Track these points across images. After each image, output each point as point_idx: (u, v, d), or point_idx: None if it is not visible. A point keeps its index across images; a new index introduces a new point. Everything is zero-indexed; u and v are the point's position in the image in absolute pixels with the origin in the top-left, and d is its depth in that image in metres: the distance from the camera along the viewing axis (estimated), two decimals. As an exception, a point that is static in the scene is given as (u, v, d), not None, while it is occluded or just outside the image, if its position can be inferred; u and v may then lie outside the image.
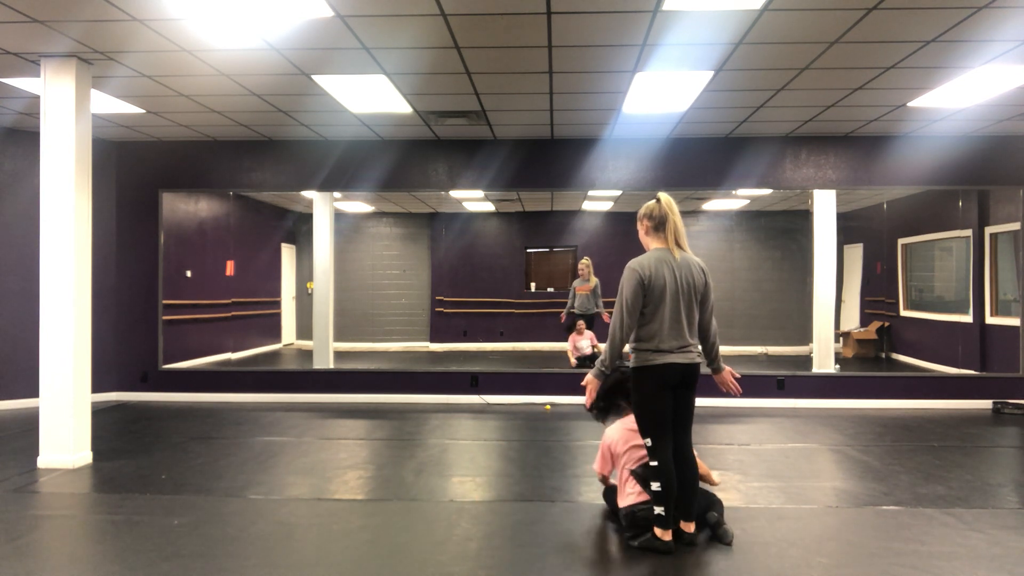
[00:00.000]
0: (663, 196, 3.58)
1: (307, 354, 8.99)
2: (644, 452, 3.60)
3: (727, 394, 3.72)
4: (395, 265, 11.85)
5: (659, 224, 3.56)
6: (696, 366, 3.54)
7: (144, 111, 6.48)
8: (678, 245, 3.56)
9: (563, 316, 9.02)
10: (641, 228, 3.64)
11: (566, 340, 9.10)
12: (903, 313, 9.57)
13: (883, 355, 9.77)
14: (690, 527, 3.57)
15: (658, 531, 3.44)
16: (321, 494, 4.40)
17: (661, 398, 3.46)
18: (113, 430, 6.24)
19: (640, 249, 3.68)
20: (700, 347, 3.60)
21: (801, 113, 6.54)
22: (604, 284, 9.49)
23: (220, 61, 5.07)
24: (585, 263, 8.98)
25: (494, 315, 11.37)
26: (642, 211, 3.62)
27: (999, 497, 4.35)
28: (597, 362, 3.52)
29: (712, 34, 4.53)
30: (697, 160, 7.60)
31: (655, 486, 3.42)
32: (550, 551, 3.49)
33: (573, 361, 8.60)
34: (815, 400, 7.53)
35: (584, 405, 3.60)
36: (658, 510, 3.43)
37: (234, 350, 9.01)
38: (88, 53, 4.95)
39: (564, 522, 3.90)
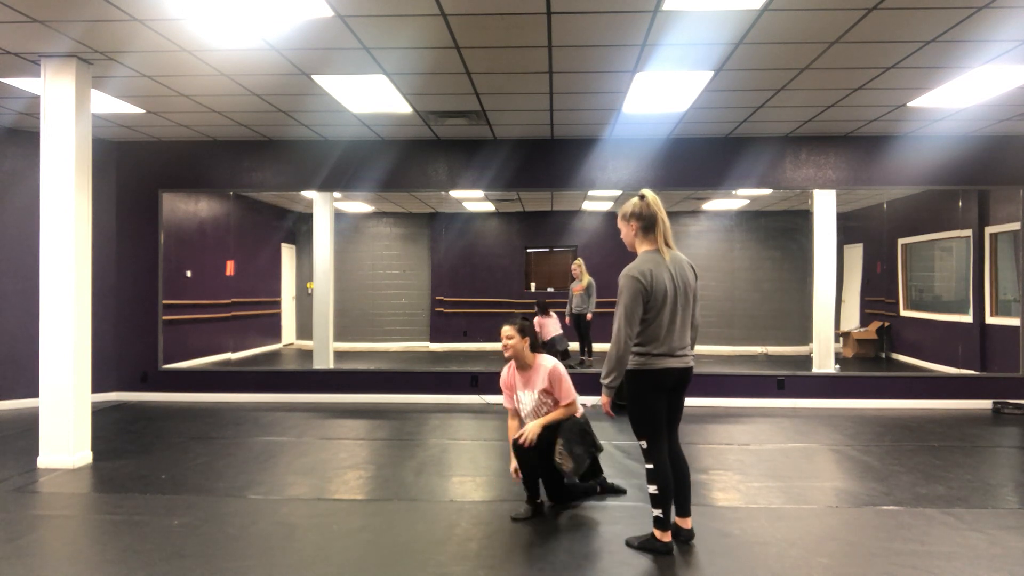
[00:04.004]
0: (648, 194, 3.40)
1: (307, 354, 8.99)
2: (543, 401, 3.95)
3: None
4: (395, 265, 11.84)
5: (649, 224, 3.40)
6: (691, 369, 3.49)
7: (144, 111, 6.48)
8: (667, 245, 3.41)
9: (568, 319, 9.13)
10: (629, 229, 3.45)
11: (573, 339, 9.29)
12: (903, 313, 9.57)
13: (883, 355, 9.77)
14: (687, 523, 3.59)
15: (657, 533, 3.43)
16: (321, 494, 4.40)
17: (657, 402, 3.42)
18: (113, 430, 6.24)
19: (624, 251, 3.59)
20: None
21: (801, 113, 6.54)
22: (604, 285, 9.50)
23: (220, 61, 5.07)
24: (576, 264, 9.17)
25: (494, 315, 11.35)
26: (628, 211, 3.43)
27: (999, 497, 4.35)
28: (603, 379, 3.36)
29: (712, 34, 4.53)
30: (697, 160, 7.60)
31: (651, 489, 3.42)
32: (550, 551, 3.49)
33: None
34: (815, 400, 7.53)
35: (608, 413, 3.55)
36: (656, 512, 3.42)
37: (234, 350, 9.01)
38: (88, 53, 4.95)
39: (564, 522, 3.90)
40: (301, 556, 3.41)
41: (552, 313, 9.33)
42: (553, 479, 4.05)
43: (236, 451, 5.49)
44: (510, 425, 4.14)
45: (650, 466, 3.42)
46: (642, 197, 3.41)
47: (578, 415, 4.00)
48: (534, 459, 3.89)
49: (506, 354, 4.02)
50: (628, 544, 3.54)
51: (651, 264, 3.35)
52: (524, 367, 4.05)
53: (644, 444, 3.43)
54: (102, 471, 4.93)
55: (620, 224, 3.52)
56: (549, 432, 3.88)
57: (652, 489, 3.42)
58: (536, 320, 9.37)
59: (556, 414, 3.94)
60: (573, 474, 3.87)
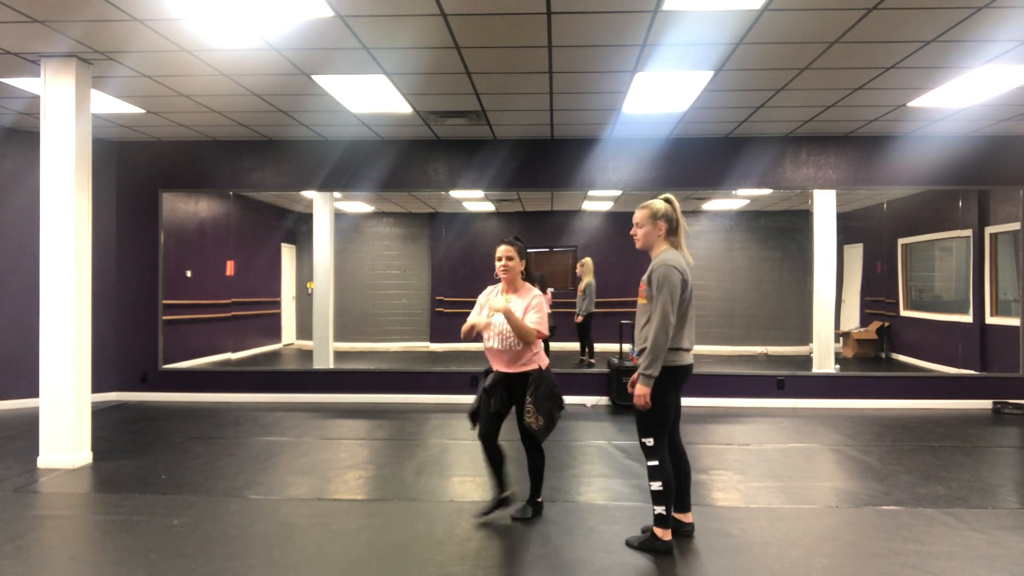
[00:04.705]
0: (673, 198, 3.56)
1: (307, 354, 8.99)
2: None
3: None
4: (395, 265, 11.84)
5: (674, 226, 3.53)
6: None
7: (144, 111, 6.48)
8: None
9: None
10: (655, 229, 3.51)
11: (570, 339, 9.30)
12: (903, 313, 9.57)
13: (883, 355, 9.77)
14: (688, 517, 3.63)
15: (658, 531, 3.44)
16: (321, 494, 4.40)
17: (672, 398, 3.47)
18: (113, 430, 6.24)
19: (634, 249, 3.65)
20: None
21: (801, 113, 6.54)
22: (604, 285, 9.49)
23: (220, 61, 5.07)
24: (579, 264, 9.19)
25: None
26: (657, 212, 3.51)
27: (999, 497, 4.35)
28: (646, 369, 3.33)
29: (712, 34, 4.53)
30: (697, 160, 7.60)
31: (656, 486, 3.42)
32: (550, 551, 3.49)
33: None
34: (815, 400, 7.53)
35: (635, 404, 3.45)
36: (659, 510, 3.43)
37: (234, 350, 9.01)
38: (88, 53, 4.95)
39: (564, 522, 3.90)
40: (301, 556, 3.41)
41: (548, 292, 9.32)
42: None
43: (236, 451, 5.49)
44: (465, 328, 3.85)
45: (655, 463, 3.42)
46: (668, 200, 3.53)
47: (543, 367, 3.78)
48: (498, 406, 3.78)
49: (503, 275, 3.83)
50: (628, 544, 3.54)
51: (680, 259, 3.47)
52: (511, 290, 3.86)
53: (651, 441, 3.43)
54: (102, 471, 4.93)
55: (644, 222, 3.54)
56: (519, 385, 3.73)
57: (656, 486, 3.42)
58: None
59: (521, 321, 3.68)
60: (542, 433, 3.71)
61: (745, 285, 11.26)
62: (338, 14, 4.22)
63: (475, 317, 3.88)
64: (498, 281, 3.93)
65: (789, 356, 9.87)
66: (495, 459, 3.92)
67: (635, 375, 3.57)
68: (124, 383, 7.85)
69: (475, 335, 3.86)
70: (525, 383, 3.74)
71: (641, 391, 3.37)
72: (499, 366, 3.81)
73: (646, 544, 3.47)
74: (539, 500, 4.02)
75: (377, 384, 7.80)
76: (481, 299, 3.99)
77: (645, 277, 3.47)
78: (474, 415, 3.93)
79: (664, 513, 3.42)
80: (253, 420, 6.70)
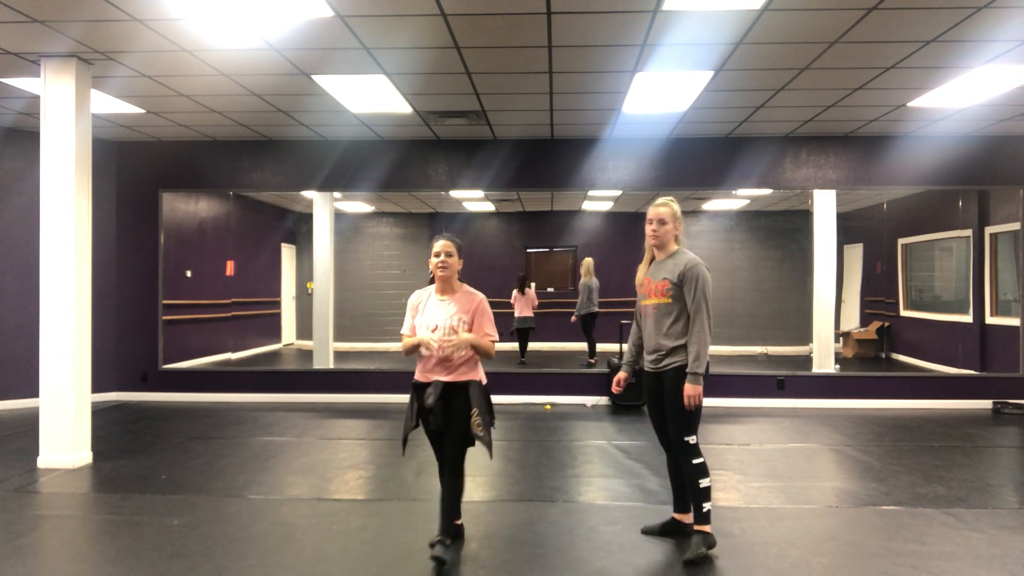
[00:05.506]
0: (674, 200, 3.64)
1: (307, 354, 8.99)
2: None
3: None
4: (395, 265, 11.84)
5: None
6: None
7: (144, 111, 6.48)
8: None
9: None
10: (675, 227, 3.57)
11: (570, 340, 9.33)
12: (903, 313, 9.57)
13: (883, 355, 9.77)
14: (688, 518, 3.62)
15: (706, 528, 3.44)
16: (321, 494, 4.40)
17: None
18: (113, 430, 6.24)
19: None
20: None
21: (801, 113, 6.54)
22: (604, 285, 9.49)
23: (220, 61, 5.07)
24: (581, 264, 9.28)
25: (494, 315, 11.33)
26: (678, 212, 3.59)
27: (999, 497, 4.35)
28: (699, 368, 3.34)
29: (712, 34, 4.53)
30: (697, 160, 7.60)
31: (705, 483, 3.43)
32: (550, 551, 3.49)
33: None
34: (815, 400, 7.53)
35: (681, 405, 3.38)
36: (707, 506, 3.44)
37: (234, 350, 9.01)
38: (88, 53, 4.95)
39: (564, 522, 3.90)
40: (301, 556, 3.41)
41: (528, 292, 9.34)
42: (463, 443, 3.46)
43: (236, 451, 5.49)
44: (407, 346, 3.46)
45: (700, 460, 3.44)
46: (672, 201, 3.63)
47: (484, 382, 3.49)
48: (439, 423, 3.36)
49: (440, 273, 3.47)
50: (695, 561, 3.32)
51: None
52: (448, 291, 3.52)
53: (693, 439, 3.45)
54: (102, 471, 4.93)
55: (666, 218, 3.55)
56: (457, 396, 3.37)
57: (706, 483, 3.43)
58: (514, 295, 9.42)
59: (485, 342, 3.38)
60: (488, 444, 3.37)
61: (745, 285, 11.26)
62: (338, 14, 4.22)
63: (420, 335, 3.43)
64: (432, 281, 3.57)
65: (789, 356, 9.86)
66: (457, 488, 3.45)
67: (621, 375, 3.73)
68: (124, 383, 7.85)
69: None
70: (464, 393, 3.37)
71: (694, 391, 3.36)
72: (437, 375, 3.39)
73: (707, 543, 3.40)
74: (459, 523, 3.61)
75: (377, 384, 7.80)
76: (412, 301, 3.58)
77: (672, 276, 3.46)
78: (407, 439, 3.54)
79: (711, 509, 3.45)
80: (253, 420, 6.70)
